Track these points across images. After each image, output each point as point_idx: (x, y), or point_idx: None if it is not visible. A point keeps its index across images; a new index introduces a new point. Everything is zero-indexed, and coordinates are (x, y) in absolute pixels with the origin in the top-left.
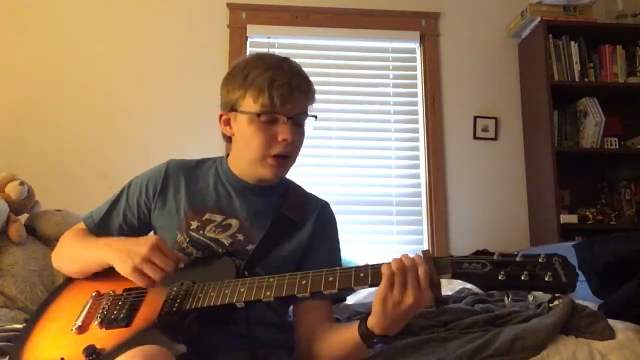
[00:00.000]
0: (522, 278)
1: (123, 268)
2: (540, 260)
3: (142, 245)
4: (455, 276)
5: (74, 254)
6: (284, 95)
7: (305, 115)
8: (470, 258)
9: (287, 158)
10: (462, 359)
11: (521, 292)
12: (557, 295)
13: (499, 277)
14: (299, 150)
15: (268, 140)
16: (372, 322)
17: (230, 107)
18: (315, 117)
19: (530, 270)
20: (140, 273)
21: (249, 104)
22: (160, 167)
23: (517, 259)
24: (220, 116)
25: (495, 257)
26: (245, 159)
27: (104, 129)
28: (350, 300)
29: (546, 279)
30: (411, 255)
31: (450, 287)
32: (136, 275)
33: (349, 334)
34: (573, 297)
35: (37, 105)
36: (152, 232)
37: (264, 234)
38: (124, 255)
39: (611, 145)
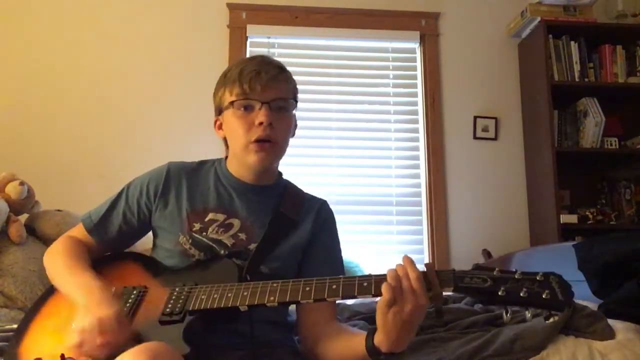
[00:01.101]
0: (521, 295)
1: (75, 325)
2: (538, 278)
3: (91, 314)
4: (456, 290)
5: (58, 277)
6: (252, 80)
7: (283, 100)
8: (471, 273)
9: (269, 143)
10: (462, 359)
11: (519, 308)
12: (552, 312)
13: (499, 293)
14: (283, 135)
15: (247, 126)
16: (378, 338)
17: (219, 110)
18: (296, 100)
19: (528, 287)
20: (77, 338)
21: (228, 98)
22: (161, 168)
23: (515, 276)
24: (215, 122)
25: (495, 272)
26: (236, 153)
27: (104, 130)
28: (350, 299)
29: (544, 297)
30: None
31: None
32: (76, 337)
33: (356, 345)
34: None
35: (37, 106)
36: (150, 233)
37: (264, 234)
38: (82, 314)
39: (611, 145)
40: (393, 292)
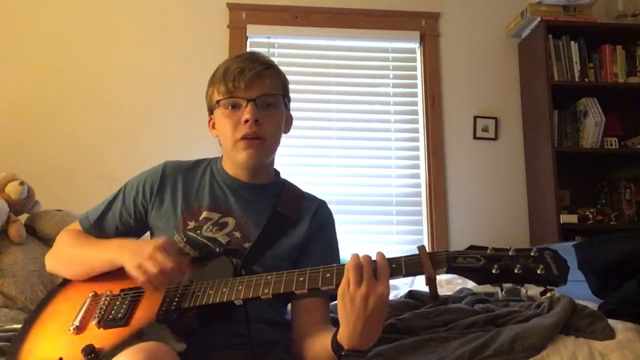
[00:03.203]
0: (515, 271)
1: (129, 264)
2: (532, 254)
3: (149, 245)
4: (450, 270)
5: (76, 256)
6: (236, 78)
7: (270, 96)
8: (464, 253)
9: (256, 140)
10: (462, 359)
11: (514, 285)
12: (548, 287)
13: (493, 271)
14: (272, 132)
15: (235, 124)
16: (340, 334)
17: (210, 110)
18: (285, 96)
19: (523, 263)
20: (141, 269)
21: (215, 97)
22: (157, 167)
23: (509, 253)
24: (209, 122)
25: (488, 251)
26: (227, 151)
27: (104, 129)
28: None
29: (538, 272)
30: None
31: (450, 287)
32: (138, 270)
33: (327, 343)
34: (573, 298)
35: (37, 106)
36: (148, 233)
37: (261, 231)
38: (132, 253)
39: (611, 145)
40: (348, 274)
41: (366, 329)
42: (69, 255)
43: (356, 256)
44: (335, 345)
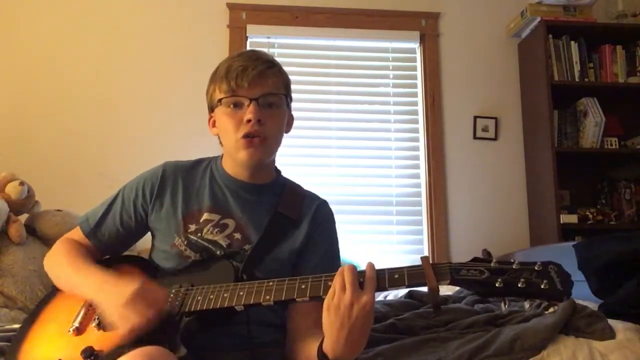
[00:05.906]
0: (519, 285)
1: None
2: (536, 268)
3: (122, 295)
4: (453, 283)
5: (64, 276)
6: (239, 77)
7: (272, 95)
8: (468, 265)
9: (258, 138)
10: (462, 359)
11: (517, 298)
12: (552, 302)
13: (497, 285)
14: (274, 131)
15: (236, 123)
16: (325, 343)
17: (211, 108)
18: (287, 95)
19: (526, 277)
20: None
21: (217, 95)
22: (157, 169)
23: (513, 267)
24: (209, 120)
25: (492, 264)
26: (228, 150)
27: (104, 129)
28: None
29: (542, 287)
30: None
31: (450, 287)
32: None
33: (313, 351)
34: (573, 298)
35: (37, 105)
36: (149, 233)
37: (262, 234)
38: (111, 309)
39: (611, 145)
40: (334, 285)
41: (350, 339)
42: (59, 273)
43: (341, 267)
44: (321, 355)
